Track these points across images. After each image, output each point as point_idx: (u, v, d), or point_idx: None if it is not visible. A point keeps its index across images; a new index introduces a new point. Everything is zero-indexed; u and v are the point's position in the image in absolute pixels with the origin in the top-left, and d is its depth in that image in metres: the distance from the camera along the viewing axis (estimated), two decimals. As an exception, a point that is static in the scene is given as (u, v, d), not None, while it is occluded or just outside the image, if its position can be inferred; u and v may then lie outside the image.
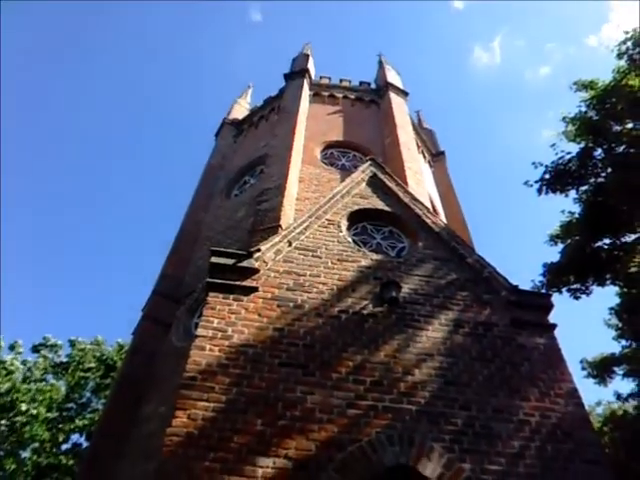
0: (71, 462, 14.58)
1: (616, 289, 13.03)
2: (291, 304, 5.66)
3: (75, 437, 15.65)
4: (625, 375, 13.12)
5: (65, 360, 16.89)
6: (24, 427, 14.62)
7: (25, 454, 14.96)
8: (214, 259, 5.95)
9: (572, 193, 12.78)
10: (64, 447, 15.56)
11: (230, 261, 5.93)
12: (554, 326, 6.16)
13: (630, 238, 12.78)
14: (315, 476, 4.22)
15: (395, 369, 5.19)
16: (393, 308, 5.79)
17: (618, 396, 13.09)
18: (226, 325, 5.31)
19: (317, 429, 4.55)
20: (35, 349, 17.05)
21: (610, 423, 13.35)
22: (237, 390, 4.73)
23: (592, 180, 12.64)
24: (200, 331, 5.22)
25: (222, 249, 6.21)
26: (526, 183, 12.89)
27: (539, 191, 12.49)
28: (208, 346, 5.08)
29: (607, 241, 12.78)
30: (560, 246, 13.25)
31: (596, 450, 5.03)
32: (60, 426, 15.23)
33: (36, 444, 14.79)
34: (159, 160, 58.42)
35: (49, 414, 15.11)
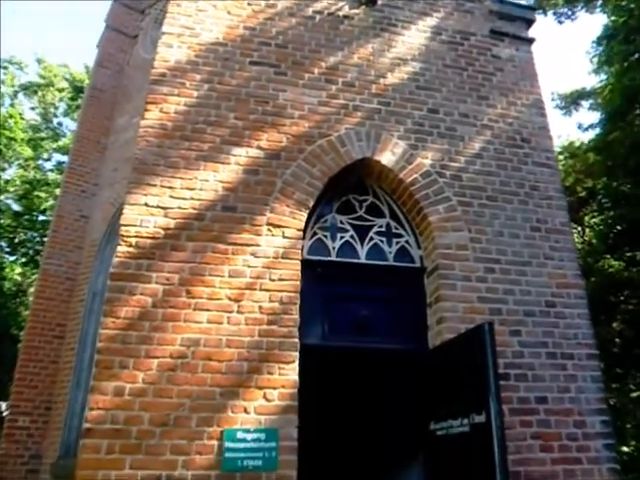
0: (57, 177, 15.20)
1: (604, 19, 12.53)
2: (263, 3, 5.29)
3: (58, 156, 16.09)
4: (590, 108, 13.42)
5: (35, 81, 16.31)
6: (6, 148, 14.79)
7: (11, 171, 15.49)
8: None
9: None
10: (49, 166, 16.07)
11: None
12: (532, 40, 6.03)
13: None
14: (285, 164, 4.49)
15: (368, 72, 5.15)
16: (370, 11, 5.49)
17: (579, 126, 13.57)
18: (194, 23, 5.02)
19: (289, 124, 4.67)
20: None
21: (566, 152, 14.12)
22: (208, 86, 4.70)
23: None
24: (166, 28, 4.93)
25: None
26: None
27: None
28: (176, 43, 4.86)
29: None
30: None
31: (549, 155, 5.37)
32: (41, 144, 15.46)
33: (20, 161, 15.19)
34: None
35: (26, 134, 15.21)
